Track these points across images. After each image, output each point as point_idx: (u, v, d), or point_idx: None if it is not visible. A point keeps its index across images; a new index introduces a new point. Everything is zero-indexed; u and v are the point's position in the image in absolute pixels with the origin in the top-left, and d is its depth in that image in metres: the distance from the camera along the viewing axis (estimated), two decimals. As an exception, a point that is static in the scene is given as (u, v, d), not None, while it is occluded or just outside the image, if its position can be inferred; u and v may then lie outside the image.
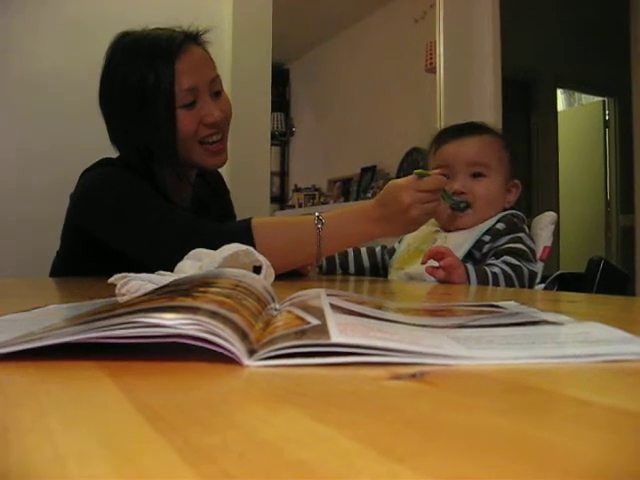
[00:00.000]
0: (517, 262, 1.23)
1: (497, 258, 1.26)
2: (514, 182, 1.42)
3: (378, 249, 1.58)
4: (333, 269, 1.54)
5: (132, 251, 1.17)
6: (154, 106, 1.22)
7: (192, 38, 1.30)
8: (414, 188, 1.12)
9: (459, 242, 1.32)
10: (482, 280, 1.17)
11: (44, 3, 2.18)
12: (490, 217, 1.35)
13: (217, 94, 1.31)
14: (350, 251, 1.56)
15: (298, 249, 1.16)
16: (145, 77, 1.21)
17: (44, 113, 2.15)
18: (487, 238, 1.31)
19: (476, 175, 1.36)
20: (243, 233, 1.12)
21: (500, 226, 1.32)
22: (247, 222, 1.15)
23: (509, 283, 1.20)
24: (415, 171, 1.14)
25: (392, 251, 1.53)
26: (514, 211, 1.37)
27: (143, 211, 1.19)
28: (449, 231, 1.39)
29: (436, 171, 1.17)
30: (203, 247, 0.78)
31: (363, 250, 1.58)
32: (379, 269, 1.56)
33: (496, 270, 1.20)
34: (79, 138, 1.98)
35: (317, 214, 1.15)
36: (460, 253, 1.29)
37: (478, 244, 1.31)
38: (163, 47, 1.24)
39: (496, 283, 1.18)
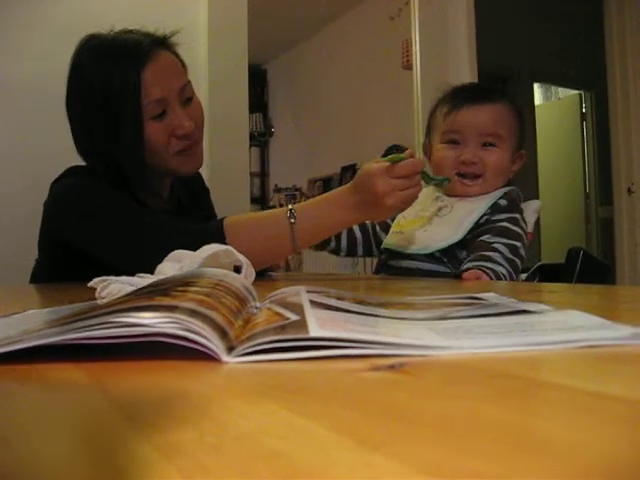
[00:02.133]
0: (507, 251, 1.23)
1: (492, 236, 1.25)
2: (520, 152, 1.41)
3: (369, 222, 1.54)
4: (327, 244, 1.50)
5: (107, 257, 1.15)
6: (121, 117, 1.19)
7: (160, 43, 1.26)
8: (388, 175, 1.08)
9: (468, 210, 1.32)
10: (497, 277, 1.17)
11: (30, 4, 2.16)
12: (496, 187, 1.35)
13: (188, 100, 1.28)
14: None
15: (272, 247, 1.15)
16: (111, 84, 1.18)
17: (19, 117, 2.13)
18: (488, 210, 1.31)
19: (487, 144, 1.35)
20: (215, 234, 1.10)
21: (502, 202, 1.31)
22: (220, 223, 1.14)
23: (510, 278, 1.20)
24: (388, 157, 1.09)
25: (386, 226, 1.49)
26: (515, 188, 1.37)
27: (113, 217, 1.17)
28: (451, 196, 1.38)
29: (408, 151, 1.12)
30: (177, 249, 0.77)
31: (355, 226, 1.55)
32: (372, 244, 1.53)
33: (504, 272, 1.19)
34: (54, 141, 1.96)
35: (290, 207, 1.13)
36: (468, 222, 1.29)
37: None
38: (130, 55, 1.20)
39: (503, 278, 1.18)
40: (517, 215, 1.31)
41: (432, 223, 1.35)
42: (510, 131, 1.37)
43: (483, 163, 1.34)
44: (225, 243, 1.08)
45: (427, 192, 1.43)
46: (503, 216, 1.29)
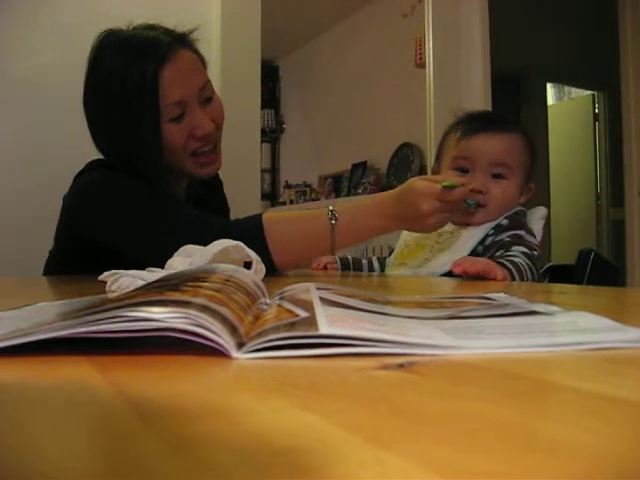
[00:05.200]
0: (528, 251, 1.22)
1: (506, 250, 1.24)
2: (529, 185, 1.40)
3: (374, 258, 1.59)
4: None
5: (136, 252, 1.12)
6: (138, 118, 1.18)
7: (179, 41, 1.24)
8: (437, 198, 1.08)
9: (467, 236, 1.32)
10: (517, 270, 1.14)
11: (38, 2, 2.17)
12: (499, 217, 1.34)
13: (208, 100, 1.27)
14: (350, 263, 1.59)
15: (311, 245, 1.15)
16: (129, 83, 1.17)
17: (33, 112, 2.14)
18: (491, 232, 1.31)
19: (496, 175, 1.34)
20: (254, 230, 1.10)
21: (504, 222, 1.31)
22: (258, 219, 1.12)
23: (529, 270, 1.18)
24: (443, 184, 1.09)
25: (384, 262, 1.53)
26: (517, 207, 1.37)
27: (146, 211, 1.16)
28: (455, 224, 1.37)
29: (460, 180, 1.14)
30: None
31: (364, 262, 1.60)
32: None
33: (520, 260, 1.17)
34: (68, 137, 1.98)
35: (331, 208, 1.12)
36: (468, 247, 1.29)
37: (483, 239, 1.31)
38: (148, 54, 1.18)
39: (524, 271, 1.16)
40: (520, 232, 1.30)
41: (433, 251, 1.35)
42: (520, 164, 1.36)
43: (490, 193, 1.33)
44: (263, 240, 1.08)
45: None
46: (507, 234, 1.29)
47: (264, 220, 1.12)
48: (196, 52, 1.29)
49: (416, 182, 1.12)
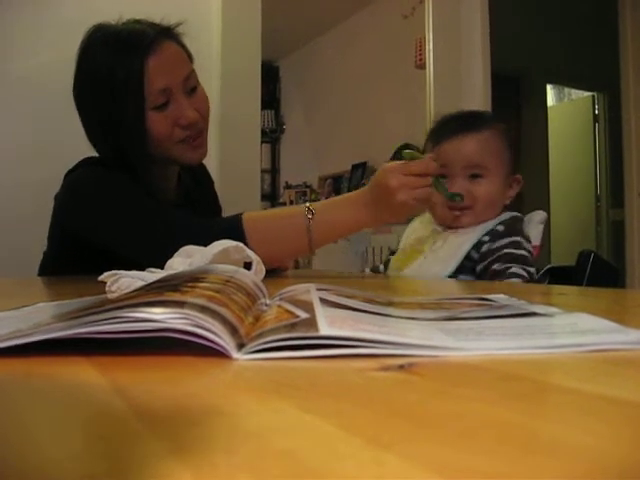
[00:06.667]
0: (525, 273, 1.21)
1: (502, 263, 1.23)
2: (515, 177, 1.39)
3: (382, 267, 1.59)
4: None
5: (120, 250, 1.15)
6: (124, 106, 1.20)
7: (165, 33, 1.26)
8: (401, 171, 1.10)
9: (459, 242, 1.31)
10: None
11: (39, 2, 2.17)
12: (490, 217, 1.33)
13: (192, 90, 1.29)
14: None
15: (290, 241, 1.15)
16: (115, 74, 1.19)
17: (33, 112, 2.14)
18: (486, 238, 1.29)
19: (474, 176, 1.33)
20: (234, 229, 1.11)
21: (500, 228, 1.30)
22: (237, 218, 1.14)
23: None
24: (403, 152, 1.11)
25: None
26: (514, 213, 1.36)
27: (131, 210, 1.18)
28: (449, 228, 1.37)
29: (428, 156, 1.14)
30: (193, 245, 0.78)
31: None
32: None
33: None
34: (68, 137, 1.97)
35: (307, 204, 1.14)
36: (460, 253, 1.28)
37: (477, 244, 1.29)
38: (134, 46, 1.20)
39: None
40: (518, 238, 1.28)
41: (426, 258, 1.35)
42: (498, 159, 1.35)
43: (471, 196, 1.32)
44: (243, 238, 1.09)
45: (424, 224, 1.44)
46: (504, 241, 1.27)
47: (244, 219, 1.13)
48: (182, 45, 1.31)
49: (384, 164, 1.16)
